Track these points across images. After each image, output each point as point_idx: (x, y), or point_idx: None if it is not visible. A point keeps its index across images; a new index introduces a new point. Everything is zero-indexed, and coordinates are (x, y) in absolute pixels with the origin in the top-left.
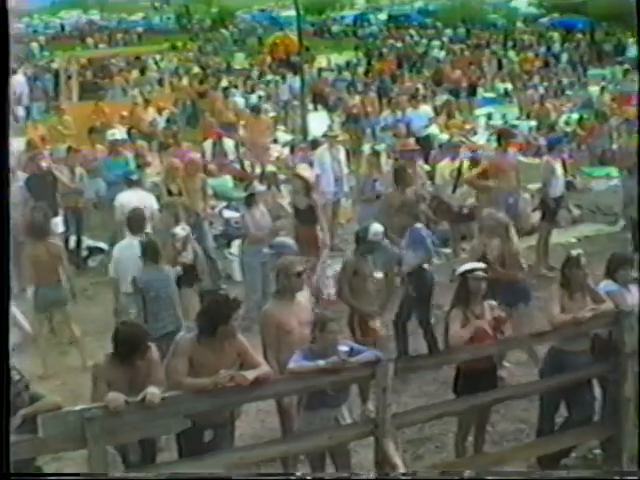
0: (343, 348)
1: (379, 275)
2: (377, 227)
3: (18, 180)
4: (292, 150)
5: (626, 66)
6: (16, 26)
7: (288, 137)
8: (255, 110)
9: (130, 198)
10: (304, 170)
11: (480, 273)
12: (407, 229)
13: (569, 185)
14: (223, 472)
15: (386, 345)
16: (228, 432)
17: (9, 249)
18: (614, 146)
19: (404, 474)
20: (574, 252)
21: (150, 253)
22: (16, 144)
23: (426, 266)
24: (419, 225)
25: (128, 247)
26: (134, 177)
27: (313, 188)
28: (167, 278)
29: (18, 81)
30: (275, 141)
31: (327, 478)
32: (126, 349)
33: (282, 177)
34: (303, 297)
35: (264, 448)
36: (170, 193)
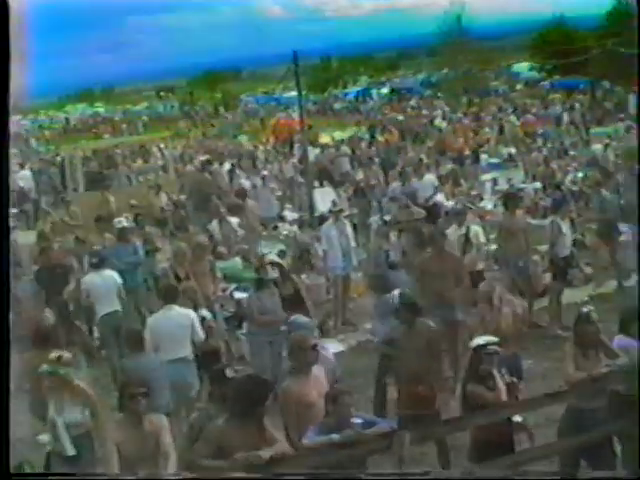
0: (357, 421)
1: None
2: None
3: (28, 274)
4: (300, 227)
5: (628, 122)
6: (23, 122)
7: (295, 215)
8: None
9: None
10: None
11: (494, 347)
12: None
13: (579, 243)
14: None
15: None
16: None
17: (9, 249)
18: (622, 202)
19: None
20: (584, 309)
21: None
22: (25, 238)
23: None
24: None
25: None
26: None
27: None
28: None
29: (24, 176)
30: (282, 219)
31: (331, 478)
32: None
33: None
34: (318, 370)
35: None
36: (178, 278)
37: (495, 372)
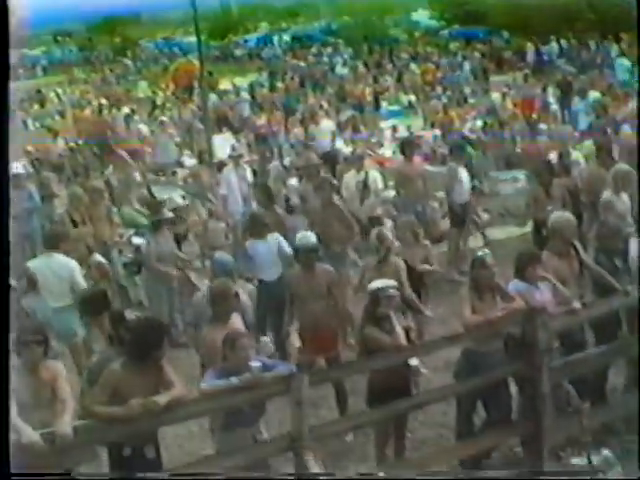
0: (255, 364)
1: None
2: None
3: None
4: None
5: (526, 71)
6: None
7: (194, 161)
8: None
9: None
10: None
11: (392, 291)
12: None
13: (477, 190)
14: None
15: None
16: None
17: (9, 249)
18: (518, 150)
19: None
20: (480, 253)
21: None
22: None
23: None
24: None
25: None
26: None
27: None
28: None
29: None
30: (181, 165)
31: (325, 478)
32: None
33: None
34: (235, 317)
35: (183, 470)
36: (74, 223)
37: (392, 315)
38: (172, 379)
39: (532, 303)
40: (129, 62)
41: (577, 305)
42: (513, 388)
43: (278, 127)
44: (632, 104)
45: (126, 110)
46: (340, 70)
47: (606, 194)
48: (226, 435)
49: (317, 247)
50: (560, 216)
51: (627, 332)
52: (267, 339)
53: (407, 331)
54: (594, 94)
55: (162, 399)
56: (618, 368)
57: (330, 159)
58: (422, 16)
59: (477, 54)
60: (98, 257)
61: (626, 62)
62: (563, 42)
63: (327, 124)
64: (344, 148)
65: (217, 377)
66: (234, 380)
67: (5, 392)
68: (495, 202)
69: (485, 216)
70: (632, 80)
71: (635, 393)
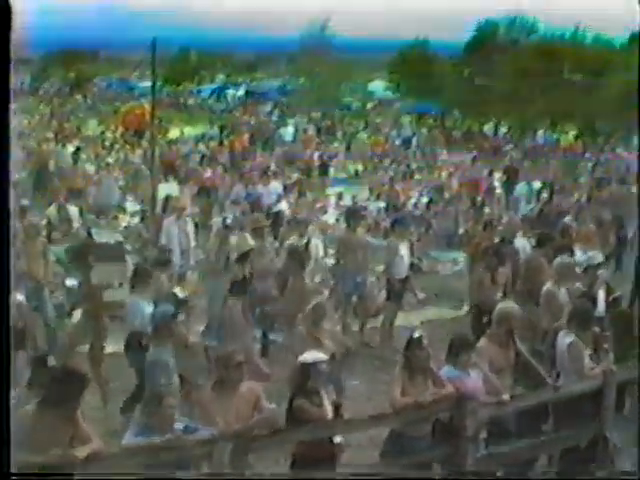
0: (178, 426)
1: None
2: None
3: None
4: (142, 219)
5: (474, 153)
6: None
7: (137, 206)
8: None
9: None
10: None
11: (323, 366)
12: None
13: (416, 268)
14: None
15: None
16: None
17: (9, 248)
18: (460, 231)
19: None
20: (416, 334)
21: None
22: None
23: None
24: None
25: None
26: None
27: None
28: None
29: None
30: (124, 210)
31: (325, 478)
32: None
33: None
34: (246, 389)
35: None
36: None
37: (322, 390)
38: (88, 433)
39: (462, 390)
40: (81, 99)
41: (506, 396)
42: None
43: (223, 182)
44: (577, 195)
45: (72, 148)
46: (290, 131)
47: (548, 285)
48: None
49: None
50: (507, 306)
51: (553, 426)
52: None
53: (337, 407)
54: (537, 184)
55: (82, 452)
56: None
57: (275, 221)
58: (378, 86)
59: (427, 130)
60: (19, 297)
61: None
62: (513, 127)
63: (275, 185)
64: (288, 211)
65: (140, 434)
66: (156, 439)
67: (5, 392)
68: (433, 281)
69: (421, 295)
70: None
71: None
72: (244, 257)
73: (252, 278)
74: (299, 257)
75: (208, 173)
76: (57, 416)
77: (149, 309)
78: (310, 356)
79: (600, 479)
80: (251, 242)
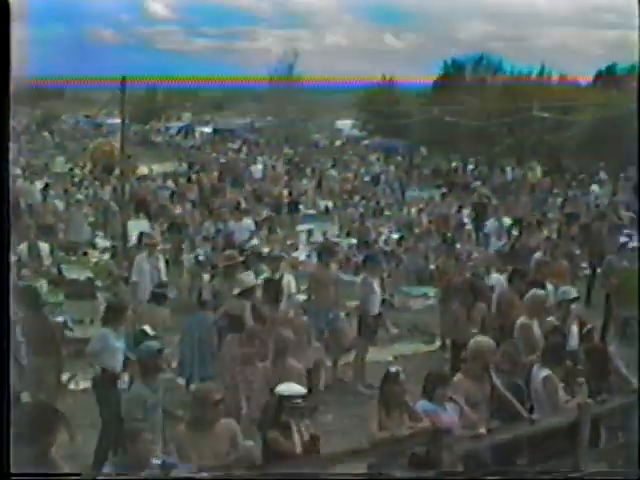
0: (156, 461)
1: None
2: None
3: None
4: (112, 256)
5: (443, 190)
6: None
7: (107, 243)
8: None
9: None
10: None
11: (299, 401)
12: None
13: (387, 303)
14: None
15: None
16: None
17: (9, 248)
18: (431, 266)
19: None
20: (393, 369)
21: None
22: None
23: None
24: None
25: None
26: None
27: None
28: None
29: None
30: (94, 246)
31: (332, 479)
32: None
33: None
34: (222, 426)
35: None
36: None
37: (293, 424)
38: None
39: (439, 424)
40: (48, 136)
41: (482, 430)
42: None
43: (193, 218)
44: (546, 232)
45: (40, 185)
46: (259, 168)
47: (522, 319)
48: None
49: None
50: (482, 340)
51: (528, 461)
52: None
53: (314, 440)
54: (507, 219)
55: None
56: None
57: (248, 257)
58: (346, 125)
59: (394, 168)
60: None
61: None
62: (481, 164)
63: (247, 222)
64: (260, 248)
65: (114, 470)
66: (132, 477)
67: (5, 392)
68: (404, 317)
69: (394, 330)
70: (545, 209)
71: None
72: (248, 292)
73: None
74: (274, 289)
75: (178, 209)
76: (32, 454)
77: (119, 344)
78: (287, 388)
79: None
80: (253, 279)
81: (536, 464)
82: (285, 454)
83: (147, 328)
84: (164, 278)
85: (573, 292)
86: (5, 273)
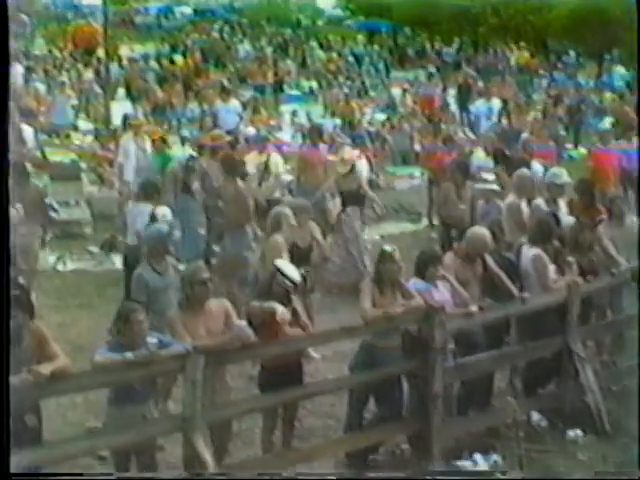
0: (152, 340)
1: None
2: None
3: None
4: (96, 138)
5: (429, 70)
6: None
7: (90, 125)
8: None
9: None
10: None
11: (289, 284)
12: None
13: (373, 183)
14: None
15: None
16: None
17: (9, 248)
18: (416, 147)
19: None
20: (388, 247)
21: None
22: None
23: None
24: None
25: None
26: None
27: None
28: None
29: None
30: (76, 129)
31: (325, 478)
32: None
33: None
34: (215, 306)
35: (67, 444)
36: None
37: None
38: (55, 350)
39: (431, 302)
40: (26, 18)
41: (474, 308)
42: (406, 385)
43: (177, 100)
44: (532, 113)
45: (22, 69)
46: (242, 49)
47: (510, 198)
48: (114, 410)
49: None
50: (477, 232)
51: (518, 339)
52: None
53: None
54: (496, 101)
55: (46, 369)
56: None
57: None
58: (327, 4)
59: (379, 47)
60: None
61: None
62: (465, 44)
63: (235, 103)
64: (245, 129)
65: (111, 350)
66: (129, 355)
67: (5, 391)
68: (390, 196)
69: (380, 210)
70: (530, 91)
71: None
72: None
73: None
74: (231, 163)
75: (161, 92)
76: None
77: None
78: (285, 267)
79: (600, 479)
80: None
81: (526, 342)
82: (275, 328)
83: (158, 211)
84: (150, 159)
85: (564, 175)
86: (5, 273)
